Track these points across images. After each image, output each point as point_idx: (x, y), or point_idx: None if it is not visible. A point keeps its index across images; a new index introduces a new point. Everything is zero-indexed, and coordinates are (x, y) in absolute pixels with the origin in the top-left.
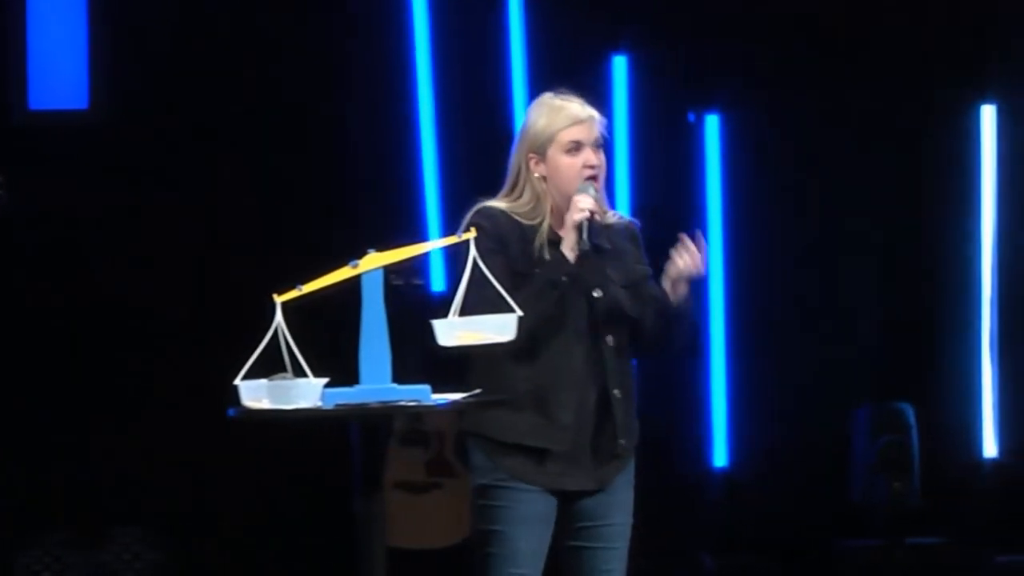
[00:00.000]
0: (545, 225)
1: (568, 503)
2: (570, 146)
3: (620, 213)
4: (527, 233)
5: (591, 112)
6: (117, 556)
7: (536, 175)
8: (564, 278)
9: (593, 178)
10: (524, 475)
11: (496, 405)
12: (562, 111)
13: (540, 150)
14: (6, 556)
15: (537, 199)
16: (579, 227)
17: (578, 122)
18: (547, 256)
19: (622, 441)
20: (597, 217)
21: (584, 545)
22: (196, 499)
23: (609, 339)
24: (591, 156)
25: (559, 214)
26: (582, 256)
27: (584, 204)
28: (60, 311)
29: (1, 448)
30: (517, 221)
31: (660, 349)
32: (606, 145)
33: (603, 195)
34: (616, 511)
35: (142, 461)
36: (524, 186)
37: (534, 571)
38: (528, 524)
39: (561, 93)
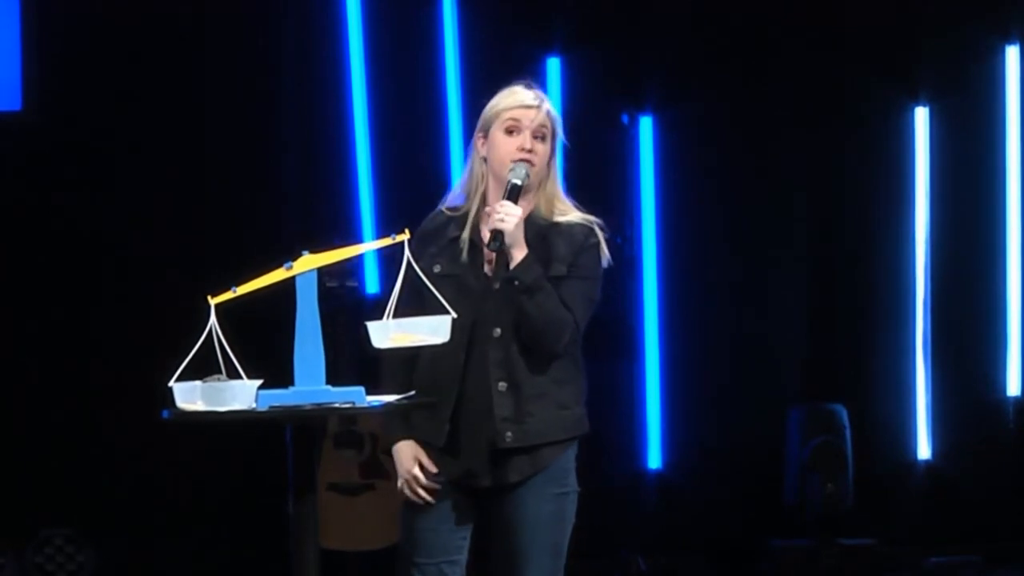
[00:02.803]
0: (471, 218)
1: (482, 504)
2: (509, 124)
3: (587, 215)
4: (450, 230)
5: (540, 103)
6: (50, 558)
7: (480, 155)
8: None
9: (528, 162)
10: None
11: (427, 405)
12: (513, 95)
13: (486, 128)
14: None
15: (476, 181)
16: (493, 236)
17: (523, 106)
18: (464, 254)
19: (508, 435)
20: (507, 227)
21: (499, 550)
22: (129, 501)
23: (496, 332)
24: (527, 141)
25: (494, 196)
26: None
27: (500, 218)
28: None
29: None
30: (449, 217)
31: (536, 343)
32: (555, 142)
33: (555, 183)
34: (529, 519)
35: (75, 462)
36: (469, 167)
37: (440, 564)
38: (430, 514)
39: (527, 84)
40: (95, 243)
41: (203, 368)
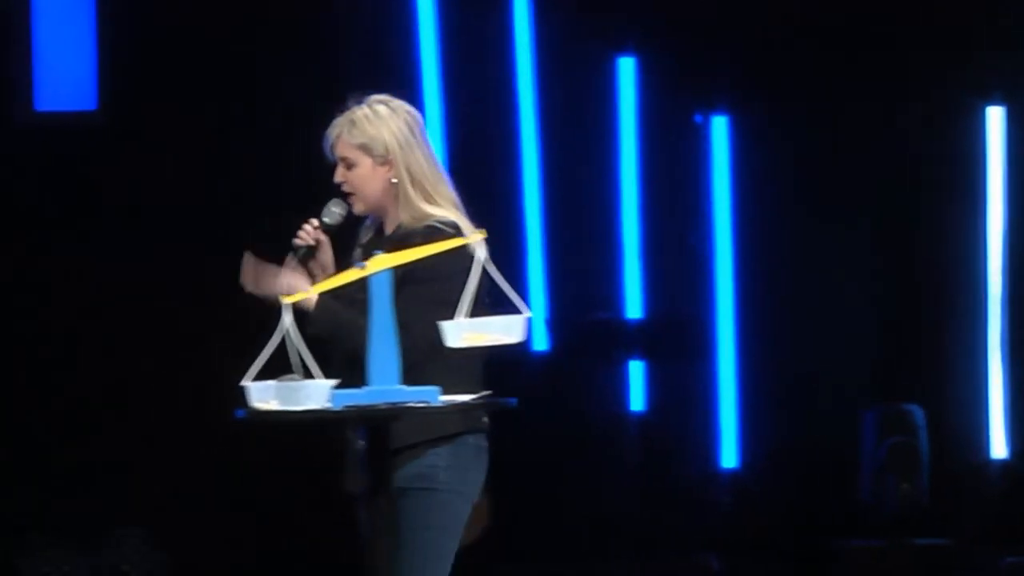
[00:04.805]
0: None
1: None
2: None
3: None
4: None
5: (329, 131)
6: (124, 558)
7: None
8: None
9: (350, 193)
10: None
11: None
12: None
13: None
14: (9, 561)
15: None
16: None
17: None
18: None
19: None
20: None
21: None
22: (203, 500)
23: None
24: (336, 173)
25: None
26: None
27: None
28: (63, 310)
29: (2, 451)
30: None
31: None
32: (372, 156)
33: (405, 193)
34: (390, 521)
35: (147, 462)
36: None
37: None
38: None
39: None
40: (168, 239)
41: (275, 368)
